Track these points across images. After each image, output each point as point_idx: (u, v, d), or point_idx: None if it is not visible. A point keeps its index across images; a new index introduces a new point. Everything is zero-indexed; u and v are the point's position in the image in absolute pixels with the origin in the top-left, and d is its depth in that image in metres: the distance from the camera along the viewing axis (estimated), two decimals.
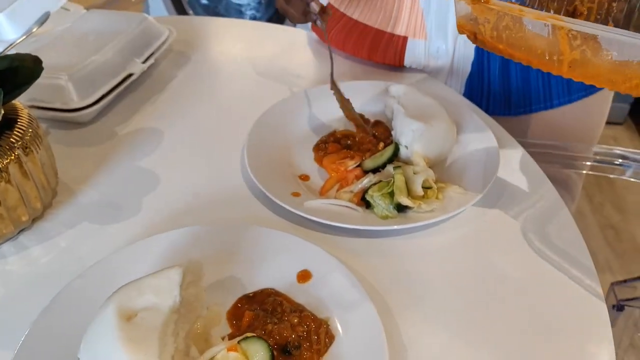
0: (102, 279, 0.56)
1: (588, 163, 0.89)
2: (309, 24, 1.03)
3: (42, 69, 0.65)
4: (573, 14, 0.60)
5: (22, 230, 0.64)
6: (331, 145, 0.73)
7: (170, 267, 0.50)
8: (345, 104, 0.77)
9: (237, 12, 2.26)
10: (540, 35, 0.54)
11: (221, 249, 0.59)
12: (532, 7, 0.62)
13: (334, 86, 0.79)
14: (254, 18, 2.24)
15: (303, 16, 0.84)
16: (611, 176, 0.91)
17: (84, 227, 0.65)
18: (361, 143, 0.73)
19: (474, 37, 0.61)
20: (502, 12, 0.56)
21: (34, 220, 0.65)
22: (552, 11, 0.61)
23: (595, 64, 0.51)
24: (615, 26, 0.57)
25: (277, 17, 2.19)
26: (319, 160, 0.73)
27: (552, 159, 0.86)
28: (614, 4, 0.57)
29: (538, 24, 0.54)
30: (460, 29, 0.61)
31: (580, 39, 0.51)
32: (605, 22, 0.58)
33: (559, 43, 0.53)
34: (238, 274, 0.58)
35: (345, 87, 0.81)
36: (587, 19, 0.59)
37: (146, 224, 0.65)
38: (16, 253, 0.62)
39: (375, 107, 0.80)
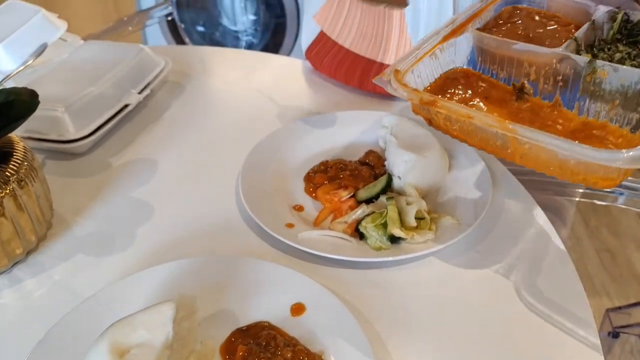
0: (96, 313, 0.56)
1: (580, 190, 0.90)
2: (304, 49, 1.04)
3: (38, 102, 0.66)
4: (521, 88, 0.63)
5: (16, 263, 0.64)
6: (319, 176, 0.73)
7: (163, 301, 0.50)
8: None
9: (234, 39, 2.29)
10: (490, 130, 0.55)
11: (215, 281, 0.59)
12: (484, 72, 0.66)
13: None
14: (250, 44, 2.27)
15: None
16: (603, 203, 0.92)
17: (78, 259, 0.65)
18: (352, 171, 0.74)
19: (428, 122, 0.62)
20: (452, 114, 0.56)
21: (28, 252, 0.65)
22: (501, 73, 0.65)
23: (543, 157, 0.53)
24: (563, 87, 0.60)
25: (273, 43, 2.21)
26: (308, 190, 0.73)
27: (544, 187, 0.87)
28: (559, 77, 0.60)
29: (494, 129, 0.55)
30: (415, 113, 0.63)
31: (529, 142, 0.53)
32: (554, 88, 0.61)
33: (508, 140, 0.55)
34: (232, 307, 0.58)
35: (339, 117, 0.82)
36: (535, 87, 0.62)
37: (140, 255, 0.66)
38: (10, 286, 0.62)
39: (368, 137, 0.81)
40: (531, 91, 0.62)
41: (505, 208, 0.71)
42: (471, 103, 0.62)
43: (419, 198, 0.67)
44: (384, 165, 0.74)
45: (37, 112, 0.66)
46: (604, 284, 1.73)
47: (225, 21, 2.26)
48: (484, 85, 0.65)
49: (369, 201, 0.69)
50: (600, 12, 0.64)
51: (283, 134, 0.81)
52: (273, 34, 2.20)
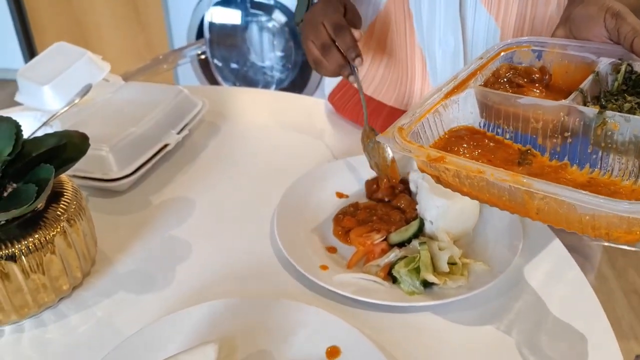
0: (138, 352, 0.58)
1: None
2: (326, 93, 1.08)
3: (88, 145, 0.69)
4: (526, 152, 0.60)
5: (62, 299, 0.67)
6: (347, 219, 0.75)
7: (206, 342, 0.52)
8: (381, 154, 0.78)
9: (262, 74, 2.35)
10: (502, 185, 0.53)
11: (252, 323, 0.61)
12: (489, 128, 0.64)
13: (370, 133, 0.81)
14: (278, 80, 2.32)
15: (337, 69, 0.83)
16: (632, 248, 0.92)
17: (120, 296, 0.68)
18: (382, 215, 0.75)
19: (436, 179, 0.60)
20: (461, 170, 0.54)
21: (74, 288, 0.68)
22: (506, 129, 0.62)
23: (561, 213, 0.51)
24: (573, 142, 0.58)
25: (301, 79, 2.26)
26: (337, 232, 0.75)
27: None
28: (567, 132, 0.59)
29: (506, 184, 0.52)
30: (421, 171, 0.61)
31: (541, 192, 0.50)
32: (563, 143, 0.59)
33: (522, 194, 0.52)
34: (269, 348, 0.59)
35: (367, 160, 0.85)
36: (543, 147, 0.60)
37: (178, 294, 0.68)
38: (56, 321, 0.65)
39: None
40: (537, 156, 0.60)
41: (535, 251, 0.72)
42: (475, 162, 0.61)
43: (452, 244, 0.68)
44: (415, 209, 0.75)
45: None
46: (632, 325, 1.70)
47: (253, 57, 2.32)
48: (491, 143, 0.63)
49: (400, 245, 0.71)
50: (603, 63, 0.63)
51: (314, 176, 0.84)
52: (300, 71, 2.25)
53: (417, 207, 0.75)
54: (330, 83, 1.08)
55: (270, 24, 2.24)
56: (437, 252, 0.67)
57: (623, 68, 0.61)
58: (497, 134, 0.64)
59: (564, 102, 0.59)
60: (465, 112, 0.64)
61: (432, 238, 0.71)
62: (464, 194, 0.58)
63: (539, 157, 0.60)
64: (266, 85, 2.32)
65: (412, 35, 0.90)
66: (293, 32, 2.20)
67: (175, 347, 0.58)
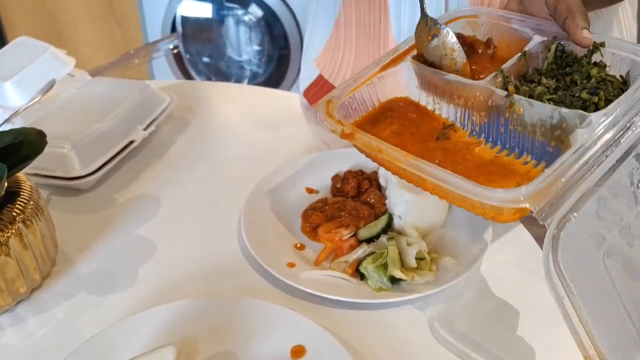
0: (97, 355, 0.56)
1: None
2: (302, 89, 1.06)
3: (46, 143, 0.67)
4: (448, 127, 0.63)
5: (19, 302, 0.65)
6: (315, 215, 0.74)
7: (164, 345, 0.51)
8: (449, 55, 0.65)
9: (239, 68, 2.32)
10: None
11: (216, 323, 0.60)
12: (426, 102, 0.66)
13: (435, 29, 0.64)
14: (255, 74, 2.30)
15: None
16: None
17: (81, 298, 0.66)
18: (351, 211, 0.74)
19: (362, 151, 0.63)
20: (366, 147, 0.58)
21: (32, 290, 0.66)
22: (437, 102, 0.65)
23: (449, 193, 0.53)
24: (489, 121, 0.60)
25: (277, 74, 2.24)
26: (304, 229, 0.74)
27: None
28: (483, 111, 0.61)
29: (400, 164, 0.55)
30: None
31: (428, 177, 0.53)
32: (481, 121, 0.62)
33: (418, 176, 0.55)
34: (233, 349, 0.58)
35: (339, 155, 0.83)
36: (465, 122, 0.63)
37: (142, 295, 0.66)
38: (13, 325, 0.63)
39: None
40: (459, 130, 0.63)
41: (504, 246, 0.71)
42: (395, 134, 0.62)
43: (419, 239, 0.67)
44: (385, 204, 0.74)
45: (44, 149, 0.67)
46: None
47: (230, 52, 2.30)
48: (414, 116, 0.65)
49: (369, 240, 0.70)
50: (534, 42, 0.64)
51: (284, 171, 0.82)
52: (277, 65, 2.23)
53: (386, 202, 0.74)
54: (305, 79, 1.07)
55: (246, 18, 2.22)
56: (405, 247, 0.66)
57: (553, 47, 0.62)
58: (434, 109, 0.66)
59: (480, 82, 0.60)
60: (401, 84, 0.66)
61: (401, 233, 0.70)
62: (385, 167, 0.61)
63: (459, 132, 0.63)
64: (239, 80, 2.29)
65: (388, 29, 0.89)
66: (269, 26, 2.18)
67: (136, 350, 0.56)
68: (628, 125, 0.51)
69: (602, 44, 0.60)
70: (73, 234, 0.75)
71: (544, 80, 0.59)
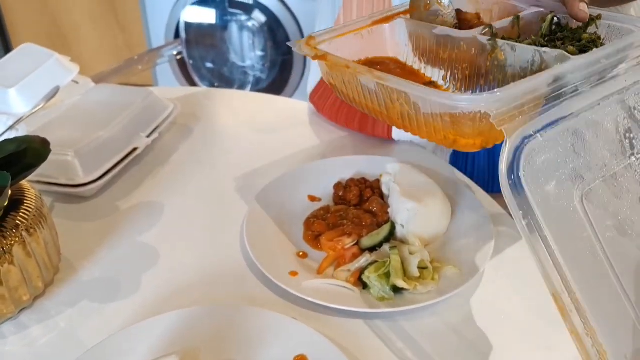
0: None
1: None
2: (309, 91, 1.06)
3: (49, 151, 0.67)
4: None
5: (22, 309, 0.65)
6: (317, 223, 0.74)
7: (167, 355, 0.51)
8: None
9: (242, 74, 2.33)
10: (370, 87, 0.57)
11: (218, 331, 0.60)
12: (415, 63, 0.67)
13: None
14: (258, 80, 2.31)
15: None
16: None
17: (84, 306, 0.66)
18: (353, 219, 0.74)
19: (338, 92, 0.64)
20: (335, 66, 0.58)
21: (35, 298, 0.66)
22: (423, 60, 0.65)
23: (413, 117, 0.54)
24: (471, 68, 0.60)
25: (280, 79, 2.25)
26: (307, 237, 0.74)
27: None
28: (465, 64, 0.61)
29: (366, 79, 0.56)
30: (327, 83, 0.64)
31: (396, 93, 0.53)
32: (467, 74, 0.62)
33: (385, 99, 0.56)
34: (235, 357, 0.58)
35: (341, 162, 0.83)
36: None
37: (145, 302, 0.66)
38: (16, 333, 0.63)
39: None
40: (440, 88, 0.63)
41: (508, 254, 0.71)
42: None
43: (422, 248, 0.67)
44: (387, 213, 0.74)
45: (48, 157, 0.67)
46: None
47: (233, 57, 2.30)
48: (398, 71, 0.65)
49: (372, 249, 0.70)
50: (530, 11, 0.63)
51: (287, 179, 0.82)
52: (280, 70, 2.24)
53: (389, 210, 0.74)
54: (311, 81, 1.07)
55: (250, 23, 2.23)
56: (407, 256, 0.66)
57: (549, 18, 0.62)
58: (420, 68, 0.66)
59: (468, 32, 0.60)
60: (390, 42, 0.66)
61: (403, 242, 0.70)
62: (350, 101, 0.62)
63: (441, 89, 0.63)
64: (242, 85, 2.30)
65: None
66: (272, 32, 2.18)
67: (138, 359, 0.56)
68: (612, 71, 0.50)
69: (599, 17, 0.59)
70: (76, 241, 0.75)
71: (533, 38, 0.59)
